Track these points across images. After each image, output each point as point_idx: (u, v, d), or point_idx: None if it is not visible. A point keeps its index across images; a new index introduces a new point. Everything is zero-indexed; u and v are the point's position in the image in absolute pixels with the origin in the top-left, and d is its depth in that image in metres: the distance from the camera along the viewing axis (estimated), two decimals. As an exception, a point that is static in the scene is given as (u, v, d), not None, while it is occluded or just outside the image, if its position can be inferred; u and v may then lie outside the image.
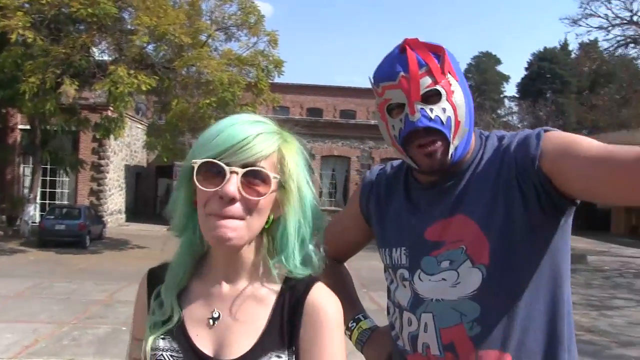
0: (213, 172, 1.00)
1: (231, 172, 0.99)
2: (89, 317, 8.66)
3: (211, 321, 1.08)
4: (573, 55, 44.50)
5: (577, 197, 1.26)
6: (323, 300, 1.08)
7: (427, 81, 1.30)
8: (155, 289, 1.12)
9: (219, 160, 0.99)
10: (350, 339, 1.59)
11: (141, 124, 28.14)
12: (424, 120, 1.29)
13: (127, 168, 27.62)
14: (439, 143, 1.31)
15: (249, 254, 1.09)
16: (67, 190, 23.59)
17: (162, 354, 1.06)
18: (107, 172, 23.86)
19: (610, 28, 24.03)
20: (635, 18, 23.12)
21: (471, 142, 1.40)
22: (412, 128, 1.30)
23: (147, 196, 31.72)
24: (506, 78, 58.53)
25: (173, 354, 1.06)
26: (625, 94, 24.94)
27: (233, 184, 0.99)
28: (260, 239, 1.09)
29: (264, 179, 1.02)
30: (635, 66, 26.53)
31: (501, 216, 1.30)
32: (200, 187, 1.01)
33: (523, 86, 50.00)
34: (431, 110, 1.30)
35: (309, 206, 1.09)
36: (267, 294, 1.10)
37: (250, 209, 1.02)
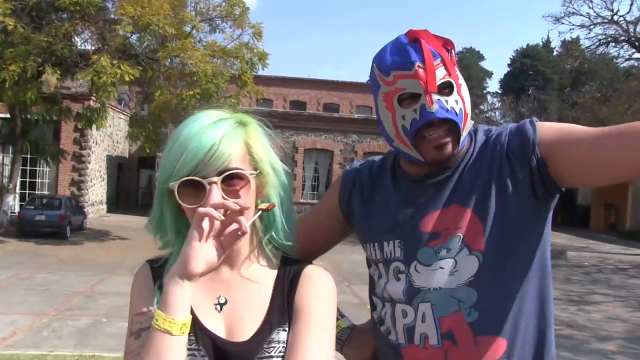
0: (193, 188, 1.03)
1: (210, 184, 1.01)
2: (69, 309, 8.59)
3: (218, 307, 1.13)
4: (555, 53, 44.89)
5: (569, 180, 1.30)
6: (318, 273, 1.17)
7: (441, 73, 1.30)
8: (157, 281, 1.13)
9: (194, 176, 1.02)
10: None
11: (124, 114, 27.90)
12: (442, 111, 1.29)
13: (109, 159, 27.37)
14: (451, 135, 1.33)
15: (245, 240, 1.13)
16: (47, 181, 23.31)
17: None
18: (89, 163, 23.62)
19: (591, 27, 24.27)
20: (615, 17, 23.39)
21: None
22: (430, 118, 1.29)
23: (129, 187, 31.49)
24: (489, 74, 58.87)
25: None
26: (605, 92, 25.23)
27: (216, 195, 1.01)
28: (252, 223, 1.12)
29: (242, 178, 1.05)
30: (615, 65, 26.84)
31: (495, 203, 1.33)
32: (186, 205, 1.04)
33: (506, 82, 50.30)
34: (446, 101, 1.31)
35: (284, 176, 1.16)
36: (267, 275, 1.16)
37: None
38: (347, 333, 1.58)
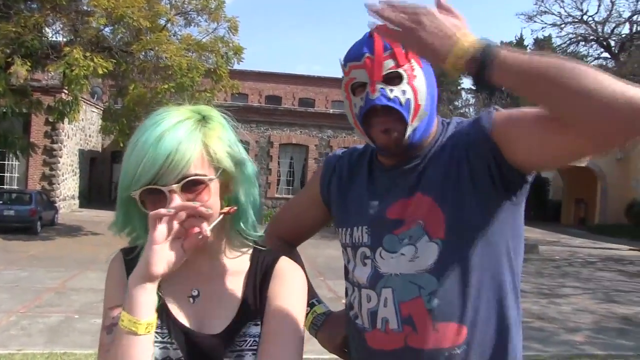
0: (155, 195, 1.03)
1: (170, 192, 1.02)
2: (39, 306, 8.44)
3: (191, 299, 1.14)
4: (528, 51, 45.42)
5: (524, 163, 1.29)
6: (290, 267, 1.18)
7: (390, 63, 1.37)
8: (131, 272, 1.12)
9: (155, 184, 1.02)
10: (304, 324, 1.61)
11: (96, 107, 27.51)
12: (383, 99, 1.36)
13: (81, 153, 26.97)
14: (399, 123, 1.37)
15: (217, 233, 1.13)
16: (16, 175, 22.88)
17: None
18: (60, 157, 23.24)
19: (563, 25, 24.83)
20: (585, 17, 23.87)
21: (433, 127, 1.46)
22: (371, 105, 1.36)
23: (102, 182, 31.07)
24: (464, 70, 59.40)
25: (157, 330, 1.07)
26: (576, 89, 25.66)
27: (177, 202, 1.02)
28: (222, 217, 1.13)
29: (202, 182, 1.05)
30: (585, 64, 27.35)
31: (453, 191, 1.37)
32: (149, 212, 1.03)
33: (480, 79, 50.83)
34: (391, 90, 1.36)
35: (248, 167, 1.14)
36: (240, 268, 1.17)
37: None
38: (323, 319, 1.63)
